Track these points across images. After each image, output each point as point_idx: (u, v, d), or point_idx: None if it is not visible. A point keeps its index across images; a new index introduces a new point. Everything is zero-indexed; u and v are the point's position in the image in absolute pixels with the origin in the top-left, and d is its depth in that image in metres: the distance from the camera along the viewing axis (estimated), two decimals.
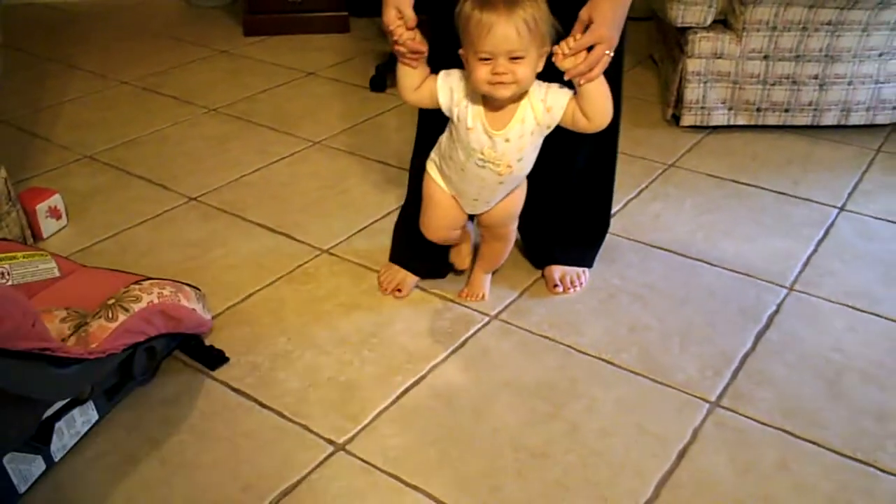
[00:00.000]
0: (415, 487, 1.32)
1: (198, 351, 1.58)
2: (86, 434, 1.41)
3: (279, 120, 2.66)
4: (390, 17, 1.36)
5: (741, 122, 2.57)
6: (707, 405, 1.50)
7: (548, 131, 1.43)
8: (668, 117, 2.64)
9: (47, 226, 1.99)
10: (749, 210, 2.14)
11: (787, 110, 2.54)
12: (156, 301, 1.40)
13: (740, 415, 1.47)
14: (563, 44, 1.29)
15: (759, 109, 2.55)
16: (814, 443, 1.42)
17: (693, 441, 1.42)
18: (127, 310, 1.35)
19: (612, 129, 1.64)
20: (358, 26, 3.54)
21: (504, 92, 1.32)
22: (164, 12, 3.83)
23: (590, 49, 1.29)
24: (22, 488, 1.29)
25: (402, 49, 1.37)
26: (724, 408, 1.49)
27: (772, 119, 2.56)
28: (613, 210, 2.12)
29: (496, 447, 1.40)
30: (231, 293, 1.79)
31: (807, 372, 1.58)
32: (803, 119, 2.55)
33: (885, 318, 1.73)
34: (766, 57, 2.46)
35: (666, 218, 2.11)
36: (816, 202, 2.18)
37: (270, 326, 1.69)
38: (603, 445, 1.41)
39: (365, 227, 2.04)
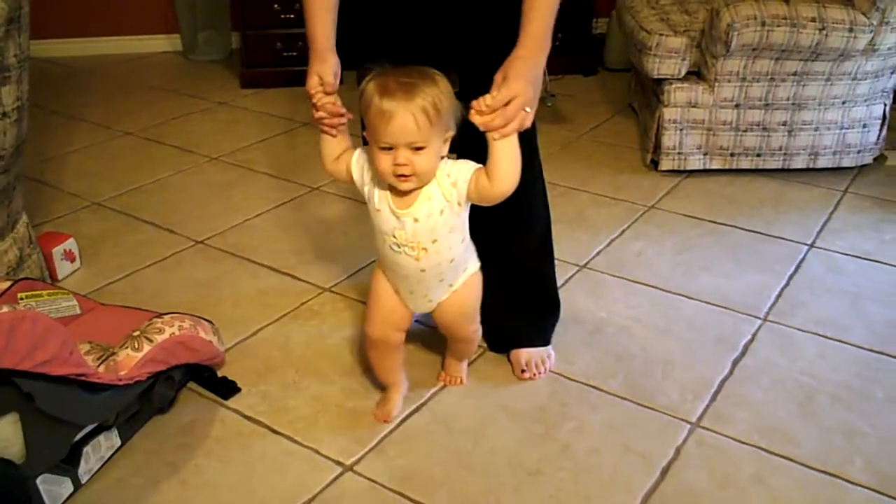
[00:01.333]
0: None
1: (211, 382, 1.68)
2: (109, 458, 1.50)
3: (277, 167, 2.79)
4: (312, 83, 1.37)
5: (716, 166, 2.72)
6: (689, 426, 1.61)
7: (459, 209, 1.38)
8: (648, 163, 2.79)
9: (62, 268, 2.10)
10: (725, 248, 2.28)
11: (758, 155, 2.70)
12: (177, 333, 1.51)
13: (719, 434, 1.59)
14: (480, 100, 1.26)
15: (732, 154, 2.70)
16: (787, 458, 1.53)
17: (676, 458, 1.53)
18: (151, 341, 1.46)
19: (540, 199, 1.71)
20: (350, 77, 3.69)
21: (406, 185, 1.31)
22: (163, 66, 3.98)
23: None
24: None
25: (321, 114, 1.38)
26: (704, 428, 1.61)
27: (745, 163, 2.71)
28: (597, 248, 2.26)
29: (494, 466, 1.51)
30: (240, 329, 1.90)
31: (781, 394, 1.70)
32: (774, 163, 2.71)
33: (853, 345, 1.86)
34: (737, 105, 2.62)
35: (648, 256, 2.24)
36: (788, 240, 2.32)
37: (279, 359, 1.80)
38: (592, 463, 1.52)
39: (364, 267, 2.15)
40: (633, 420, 1.63)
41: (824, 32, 2.41)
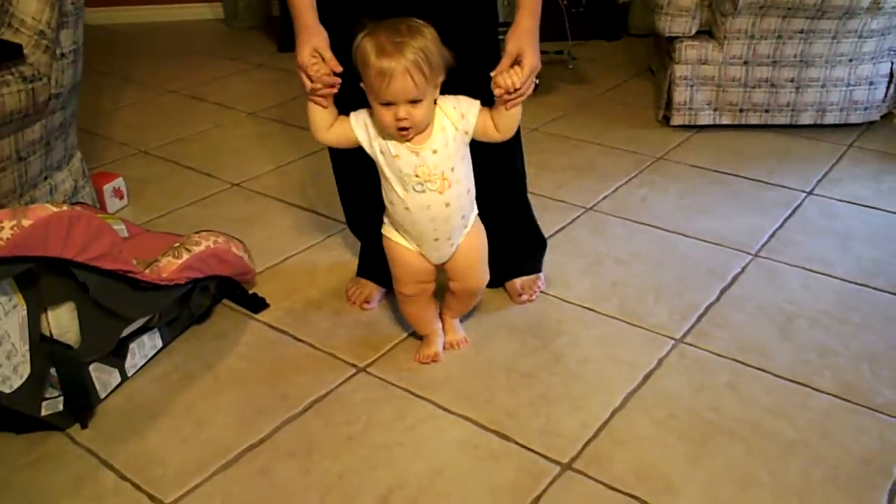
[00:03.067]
0: (423, 398, 1.60)
1: (243, 298, 1.87)
2: (152, 358, 1.71)
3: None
4: (305, 57, 1.40)
5: (725, 121, 2.84)
6: (673, 341, 1.76)
7: (467, 138, 1.47)
8: (660, 118, 2.92)
9: (111, 204, 2.31)
10: (726, 194, 2.41)
11: (767, 111, 2.81)
12: (212, 246, 1.70)
13: (700, 348, 1.74)
14: (507, 80, 1.38)
15: (741, 110, 2.82)
16: (761, 369, 1.68)
17: (658, 367, 1.69)
18: (189, 251, 1.65)
19: (513, 150, 1.76)
20: None
21: (406, 136, 1.41)
22: (206, 32, 4.19)
23: None
24: (102, 395, 1.59)
25: (317, 85, 1.40)
26: (687, 343, 1.76)
27: (753, 119, 2.83)
28: (604, 194, 2.41)
29: (491, 370, 1.68)
30: (271, 257, 2.09)
31: (762, 318, 1.84)
32: (782, 119, 2.82)
33: (837, 278, 1.99)
34: (745, 62, 2.74)
35: (651, 200, 2.38)
36: (788, 188, 2.45)
37: (304, 282, 1.99)
38: (581, 370, 1.68)
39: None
40: (622, 336, 1.79)
41: None
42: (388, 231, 1.59)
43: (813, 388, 1.62)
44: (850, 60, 2.72)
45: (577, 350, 1.74)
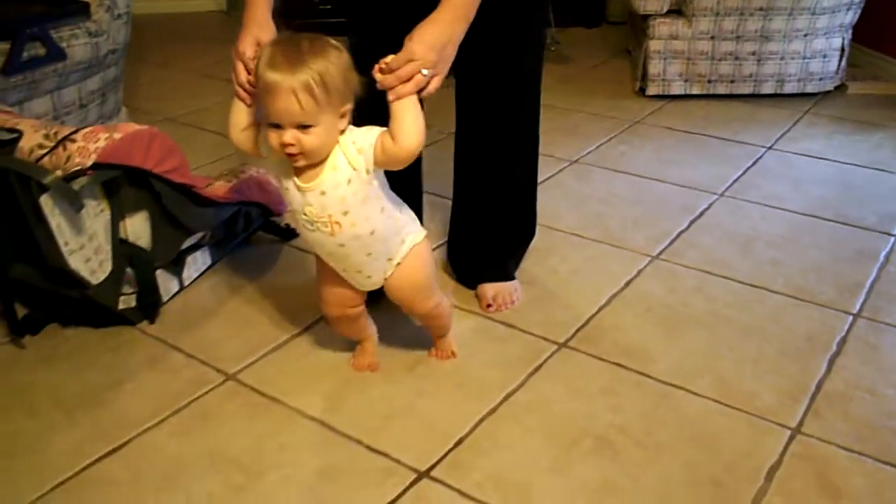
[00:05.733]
0: None
1: (277, 229, 2.15)
2: (203, 272, 1.98)
3: None
4: (246, 47, 1.32)
5: (695, 91, 3.16)
6: (649, 258, 2.06)
7: (368, 177, 1.32)
8: (636, 90, 3.23)
9: None
10: (695, 149, 2.72)
11: (732, 81, 3.13)
12: (255, 175, 1.98)
13: (673, 263, 2.04)
14: (382, 60, 1.26)
15: (709, 81, 3.14)
16: (725, 277, 1.98)
17: (637, 276, 1.98)
18: (237, 176, 1.93)
19: (531, 140, 1.78)
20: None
21: (297, 163, 1.28)
22: (210, 22, 4.47)
23: None
24: (164, 298, 1.86)
25: (246, 79, 1.32)
26: (661, 259, 2.05)
27: (721, 88, 3.15)
28: (587, 150, 2.71)
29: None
30: None
31: (726, 241, 2.14)
32: (746, 88, 3.14)
33: (790, 211, 2.29)
34: (712, 37, 3.06)
35: (629, 154, 2.68)
36: (750, 144, 2.76)
37: None
38: (572, 278, 1.97)
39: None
40: (606, 255, 2.08)
41: None
42: None
43: (768, 290, 1.92)
44: (805, 35, 3.04)
45: (567, 264, 2.03)
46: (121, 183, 1.64)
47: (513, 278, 1.88)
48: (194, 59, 3.76)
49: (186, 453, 1.45)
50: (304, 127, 1.23)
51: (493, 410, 1.54)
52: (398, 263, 1.46)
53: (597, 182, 2.48)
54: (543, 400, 1.57)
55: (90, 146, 1.53)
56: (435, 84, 1.28)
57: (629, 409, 1.54)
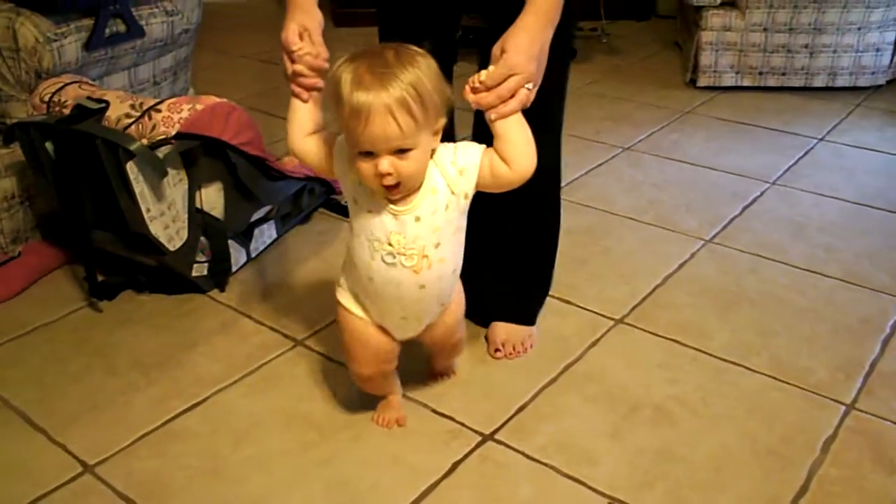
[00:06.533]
0: None
1: (338, 207, 2.21)
2: (269, 245, 2.05)
3: None
4: (290, 35, 1.17)
5: (747, 83, 3.18)
6: (702, 241, 2.09)
7: (465, 203, 1.18)
8: (687, 81, 3.25)
9: None
10: (746, 139, 2.74)
11: (783, 74, 3.14)
12: None
13: (726, 246, 2.07)
14: (474, 77, 1.12)
15: (760, 73, 3.15)
16: (778, 261, 2.01)
17: (690, 259, 2.02)
18: None
19: (552, 175, 1.59)
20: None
21: (397, 195, 1.13)
22: (264, 11, 4.56)
23: None
24: (234, 268, 1.93)
25: (300, 68, 1.18)
26: (715, 243, 2.09)
27: (772, 81, 3.16)
28: (639, 138, 2.74)
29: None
30: None
31: (778, 227, 2.17)
32: (797, 81, 3.15)
33: (843, 200, 2.31)
34: (765, 29, 3.07)
35: (681, 143, 2.72)
36: (802, 135, 2.77)
37: None
38: (627, 258, 2.01)
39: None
40: (661, 237, 2.12)
41: None
42: (342, 297, 1.32)
43: (821, 274, 1.95)
44: (859, 29, 3.04)
45: (622, 244, 2.08)
46: (198, 153, 1.71)
47: (531, 323, 1.68)
48: (250, 46, 3.85)
49: (260, 411, 1.52)
50: (401, 151, 1.08)
51: (554, 380, 1.59)
52: (446, 307, 1.32)
53: (649, 168, 2.52)
54: (602, 371, 1.62)
55: (174, 116, 1.61)
56: (531, 97, 1.14)
57: (686, 381, 1.58)
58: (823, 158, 2.59)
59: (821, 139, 2.74)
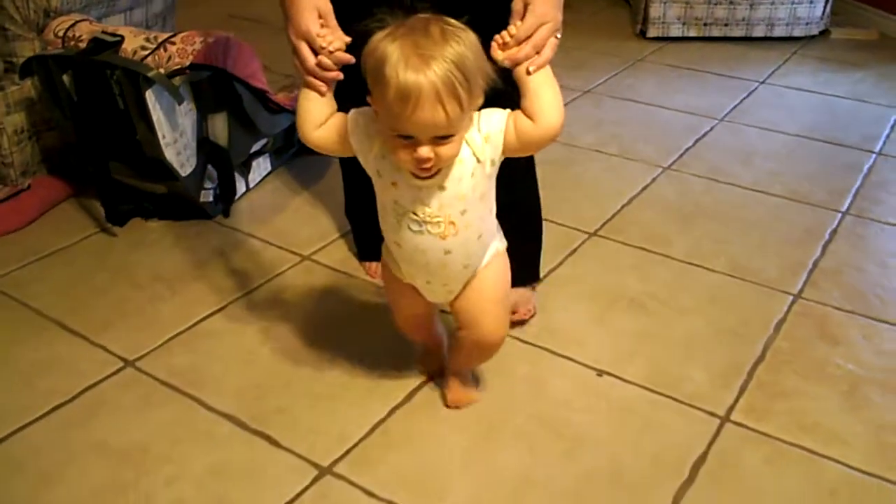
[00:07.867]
0: None
1: None
2: (265, 177, 2.20)
3: None
4: (312, 23, 1.07)
5: (693, 34, 3.40)
6: (660, 168, 2.31)
7: (493, 169, 1.14)
8: (637, 32, 3.46)
9: None
10: (695, 83, 2.97)
11: (726, 24, 3.37)
12: None
13: (682, 172, 2.29)
14: (503, 33, 1.07)
15: (706, 24, 3.38)
16: (729, 183, 2.23)
17: (651, 183, 2.23)
18: (298, 86, 2.14)
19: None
20: None
21: (428, 175, 1.08)
22: None
23: None
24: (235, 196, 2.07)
25: (325, 61, 1.08)
26: (672, 170, 2.30)
27: (716, 31, 3.39)
28: (597, 82, 2.94)
29: None
30: None
31: (728, 156, 2.39)
32: (739, 31, 3.38)
33: (784, 133, 2.55)
34: None
35: (636, 86, 2.92)
36: (745, 79, 3.01)
37: None
38: (594, 183, 2.21)
39: None
40: (624, 166, 2.32)
41: None
42: (385, 250, 1.30)
43: (768, 193, 2.18)
44: None
45: (589, 173, 2.28)
46: (206, 85, 1.85)
47: (535, 279, 1.71)
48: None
49: (281, 316, 1.68)
50: (442, 137, 1.03)
51: (540, 281, 1.78)
52: (476, 273, 1.25)
53: (609, 108, 2.72)
54: (581, 274, 1.82)
55: (188, 48, 1.74)
56: (556, 44, 1.11)
57: (656, 280, 1.80)
58: (766, 98, 2.83)
59: (762, 82, 2.97)
